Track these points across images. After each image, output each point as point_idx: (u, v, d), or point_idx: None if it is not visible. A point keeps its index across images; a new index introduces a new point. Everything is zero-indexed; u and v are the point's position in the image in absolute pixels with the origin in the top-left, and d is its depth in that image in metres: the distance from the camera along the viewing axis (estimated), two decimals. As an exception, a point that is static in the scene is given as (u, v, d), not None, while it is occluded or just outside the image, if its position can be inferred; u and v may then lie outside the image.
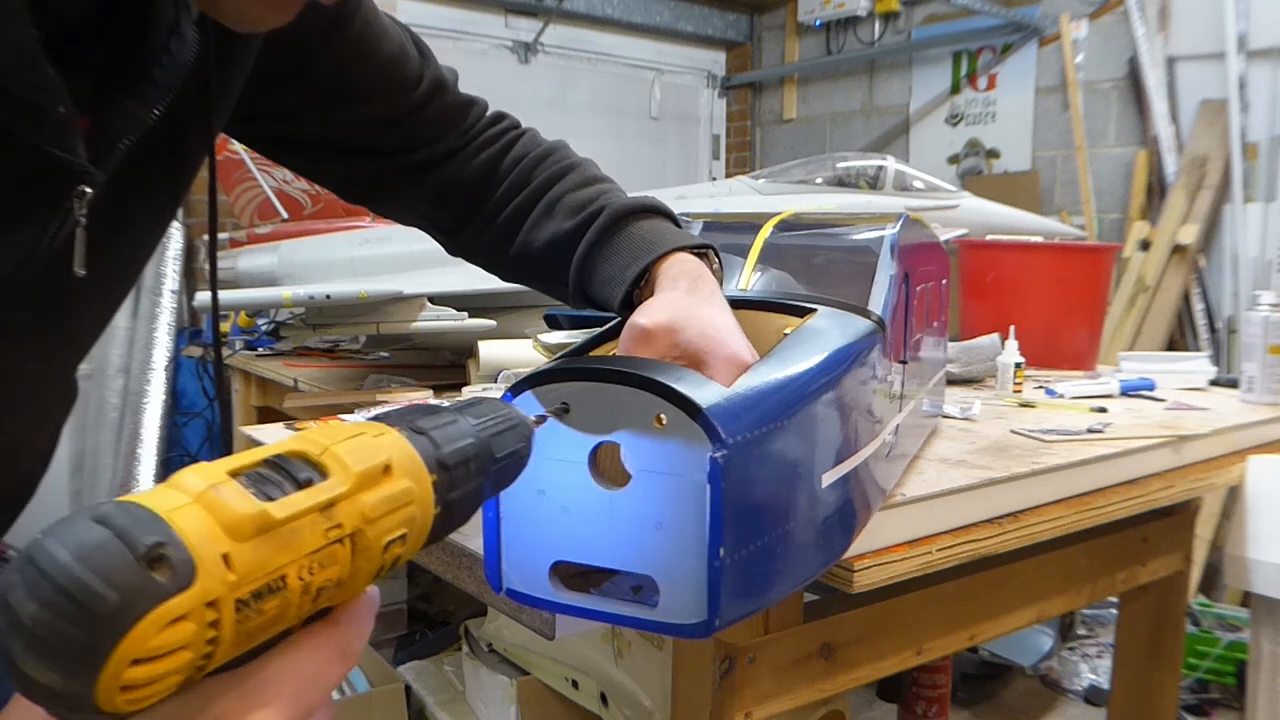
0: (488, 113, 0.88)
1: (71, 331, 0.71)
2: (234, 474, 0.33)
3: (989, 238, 2.44)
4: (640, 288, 0.74)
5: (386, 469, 0.37)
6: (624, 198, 0.81)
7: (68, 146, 0.54)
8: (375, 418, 0.41)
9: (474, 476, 0.42)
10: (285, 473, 0.34)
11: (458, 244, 0.90)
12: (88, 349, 0.76)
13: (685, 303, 0.68)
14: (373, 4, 0.77)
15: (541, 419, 0.54)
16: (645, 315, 0.66)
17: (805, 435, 0.62)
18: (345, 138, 0.82)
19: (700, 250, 0.75)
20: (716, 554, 0.53)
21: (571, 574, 0.59)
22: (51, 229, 0.58)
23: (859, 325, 0.75)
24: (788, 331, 0.72)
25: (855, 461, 0.70)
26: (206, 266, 2.76)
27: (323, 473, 0.35)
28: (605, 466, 0.57)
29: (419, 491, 0.38)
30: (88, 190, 0.57)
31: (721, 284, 0.76)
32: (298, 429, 1.27)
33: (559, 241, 0.80)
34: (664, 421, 0.54)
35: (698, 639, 0.55)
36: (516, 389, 0.58)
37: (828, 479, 0.65)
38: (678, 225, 0.81)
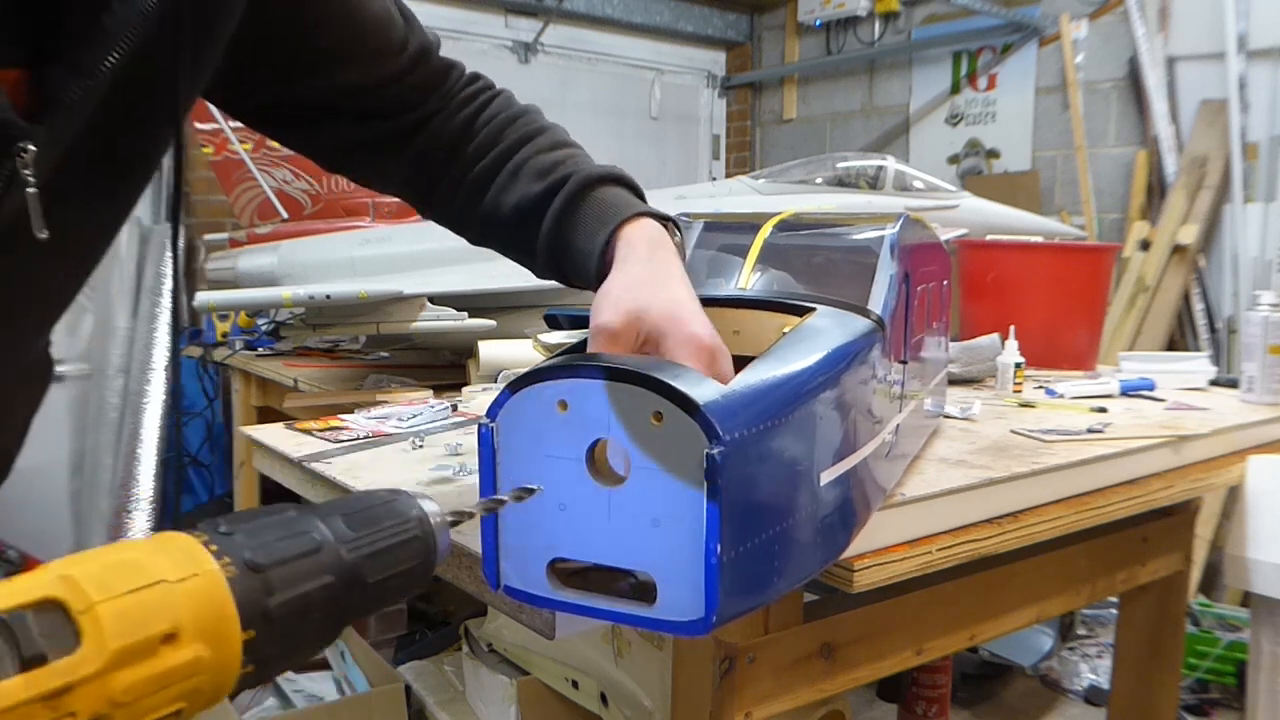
0: (464, 75, 0.87)
1: (31, 294, 0.68)
2: None
3: (989, 238, 2.44)
4: (604, 255, 0.73)
5: (169, 637, 0.30)
6: (590, 165, 0.80)
7: None
8: (222, 531, 0.34)
9: (315, 623, 0.35)
10: (13, 643, 0.28)
11: (431, 204, 0.89)
12: (53, 318, 0.74)
13: (644, 278, 0.67)
14: None
15: (496, 504, 0.52)
16: (608, 310, 0.65)
17: (803, 433, 0.61)
18: (328, 103, 0.81)
19: (662, 219, 0.75)
20: (714, 551, 0.53)
21: (570, 572, 0.59)
22: None
23: (858, 324, 0.75)
24: (787, 330, 0.72)
25: (854, 460, 0.70)
26: (208, 266, 2.77)
27: (76, 637, 0.28)
28: (603, 464, 0.57)
29: (216, 658, 0.32)
30: (30, 147, 0.54)
31: (684, 256, 0.76)
32: (298, 429, 1.27)
33: (524, 206, 0.80)
34: (661, 418, 0.54)
35: (695, 636, 0.55)
36: (515, 386, 0.58)
37: (826, 477, 0.65)
38: (641, 197, 0.80)
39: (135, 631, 0.29)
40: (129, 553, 0.31)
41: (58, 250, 0.62)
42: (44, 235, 0.57)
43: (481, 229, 0.86)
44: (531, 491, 0.57)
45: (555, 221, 0.77)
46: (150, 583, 0.30)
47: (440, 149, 0.85)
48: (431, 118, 0.84)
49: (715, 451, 0.52)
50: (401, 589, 0.40)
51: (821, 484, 0.64)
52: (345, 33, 0.77)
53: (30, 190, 0.56)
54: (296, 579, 0.35)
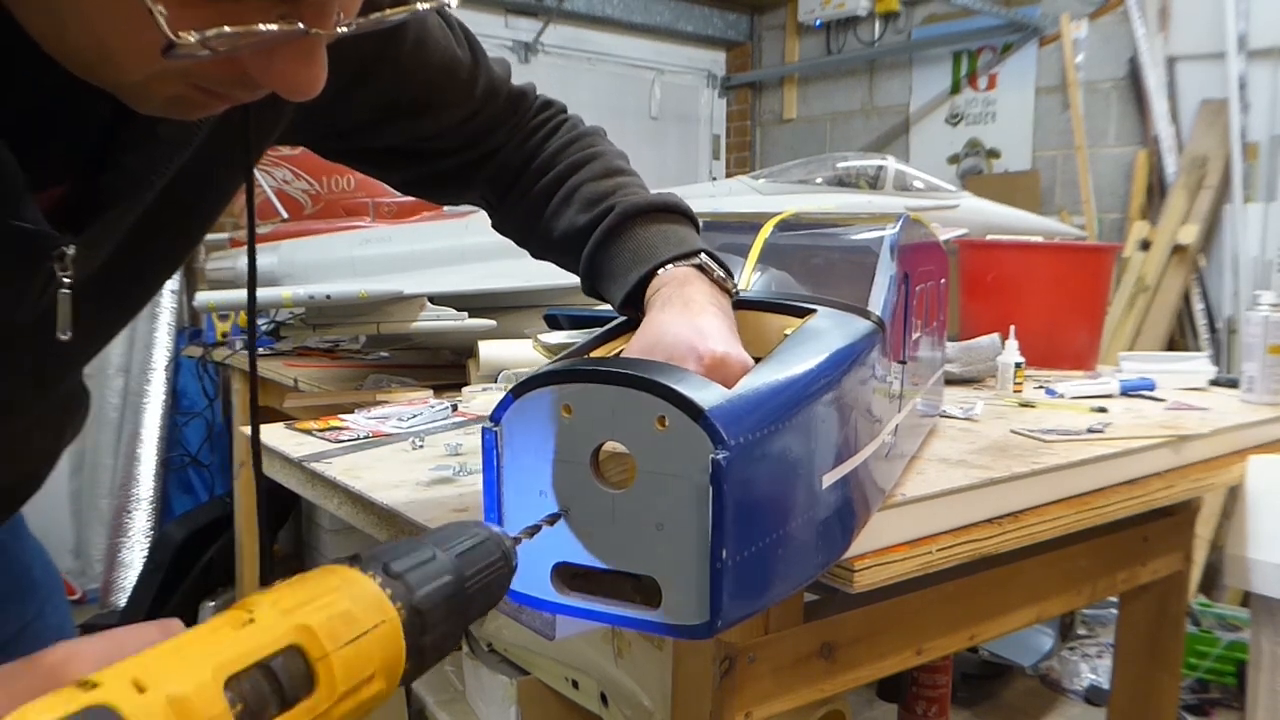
0: (535, 103, 0.90)
1: (62, 367, 0.71)
2: (225, 680, 0.32)
3: (989, 238, 2.43)
4: (634, 297, 0.75)
5: (369, 679, 0.37)
6: (636, 196, 0.81)
7: (26, 215, 0.52)
8: (391, 574, 0.40)
9: (442, 652, 0.42)
10: (276, 688, 0.33)
11: (497, 217, 0.93)
12: (82, 366, 0.77)
13: (662, 324, 0.68)
14: (424, 22, 0.77)
15: (518, 540, 0.53)
16: (632, 350, 0.68)
17: (806, 436, 0.61)
18: (401, 149, 0.83)
19: (696, 256, 0.75)
20: (719, 555, 0.52)
21: (574, 574, 0.59)
22: (34, 290, 0.57)
23: (859, 326, 0.75)
24: (788, 332, 0.72)
25: (855, 462, 0.70)
26: (207, 265, 2.76)
27: (313, 682, 0.34)
28: (607, 468, 0.57)
29: (388, 689, 0.38)
30: (68, 251, 0.55)
31: (731, 288, 0.76)
32: (298, 429, 1.27)
33: (572, 234, 0.82)
34: (665, 423, 0.53)
35: (699, 640, 0.56)
36: (519, 390, 0.58)
37: (828, 479, 0.65)
38: (690, 219, 0.81)
39: (353, 677, 0.35)
40: (334, 598, 0.37)
41: (87, 338, 0.65)
42: (67, 337, 0.58)
43: (538, 248, 0.89)
44: (560, 516, 0.57)
45: (594, 250, 0.79)
46: (362, 633, 0.36)
47: (508, 174, 0.88)
48: (500, 149, 0.87)
49: (721, 456, 0.52)
50: (496, 585, 0.47)
51: (823, 486, 0.64)
52: (415, 90, 0.78)
53: (63, 292, 0.56)
54: (441, 619, 0.41)
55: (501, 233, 0.93)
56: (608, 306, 0.82)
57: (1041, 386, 1.62)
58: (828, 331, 0.72)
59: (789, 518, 0.60)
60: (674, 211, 0.80)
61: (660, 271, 0.74)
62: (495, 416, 0.59)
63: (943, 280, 1.10)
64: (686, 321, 0.67)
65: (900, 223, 0.88)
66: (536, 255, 0.91)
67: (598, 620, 0.58)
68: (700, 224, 0.82)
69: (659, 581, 0.55)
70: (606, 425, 0.55)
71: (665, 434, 0.53)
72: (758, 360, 0.66)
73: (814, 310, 0.76)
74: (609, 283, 0.78)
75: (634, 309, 0.75)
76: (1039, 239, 2.39)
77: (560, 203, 0.83)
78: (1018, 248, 2.08)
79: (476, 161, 0.87)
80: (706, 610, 0.54)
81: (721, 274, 0.76)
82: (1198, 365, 1.70)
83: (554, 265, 0.90)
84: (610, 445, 0.56)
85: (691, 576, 0.54)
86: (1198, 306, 3.38)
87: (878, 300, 0.80)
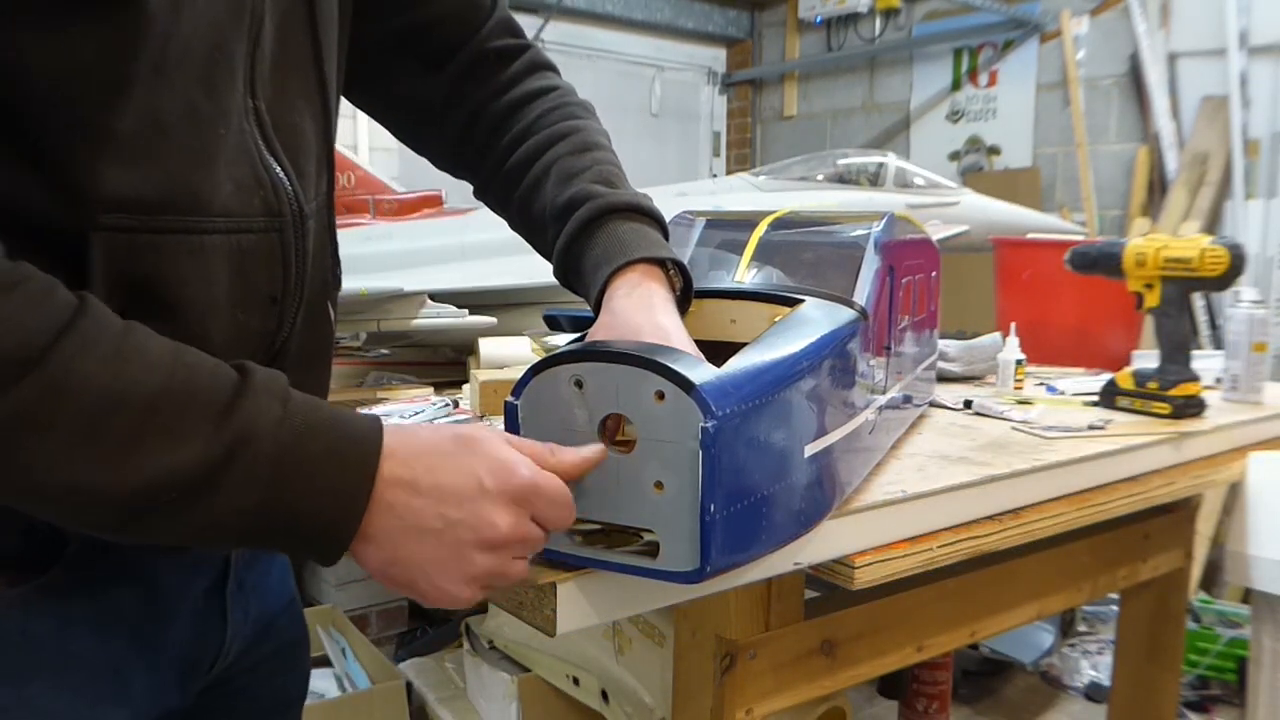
0: (494, 18, 0.87)
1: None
2: None
3: (1029, 236, 2.39)
4: (602, 291, 0.76)
5: None
6: (608, 191, 0.80)
7: None
8: None
9: None
10: None
11: (477, 183, 0.91)
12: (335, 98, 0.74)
13: (629, 313, 0.71)
14: None
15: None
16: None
17: (788, 411, 0.68)
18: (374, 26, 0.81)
19: (660, 260, 0.76)
20: (708, 510, 0.60)
21: (587, 532, 0.66)
22: None
23: (843, 314, 0.81)
24: (778, 319, 0.77)
25: (836, 437, 0.76)
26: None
27: None
28: (614, 435, 0.64)
29: None
30: None
31: (683, 291, 0.78)
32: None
33: (545, 216, 0.81)
34: (663, 397, 0.60)
35: (692, 584, 0.62)
36: (537, 368, 0.64)
37: (810, 450, 0.71)
38: (659, 223, 0.81)
39: None
40: None
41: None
42: None
43: (513, 224, 0.89)
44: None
45: (568, 244, 0.79)
46: None
47: (481, 130, 0.86)
48: (462, 49, 0.85)
49: (709, 425, 0.59)
50: None
51: (805, 456, 0.70)
52: None
53: None
54: None
55: (482, 200, 0.91)
56: None
57: (1042, 383, 1.62)
58: (814, 319, 0.77)
59: (771, 481, 0.66)
60: (640, 212, 0.80)
61: (627, 268, 0.75)
62: (516, 392, 0.66)
63: (933, 274, 1.14)
64: (647, 317, 0.71)
65: (885, 221, 0.93)
66: (513, 227, 0.90)
67: (607, 569, 0.66)
68: (668, 229, 0.83)
69: (657, 534, 0.62)
70: (613, 399, 0.62)
71: (663, 406, 0.60)
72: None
73: (802, 300, 0.81)
74: (582, 279, 0.79)
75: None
76: (1078, 236, 2.36)
77: (536, 179, 0.82)
78: (1054, 246, 2.04)
79: (444, 87, 0.85)
80: (697, 558, 0.61)
81: (680, 283, 0.77)
82: (1204, 363, 1.69)
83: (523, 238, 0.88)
84: (617, 415, 0.63)
85: (684, 529, 0.61)
86: (1199, 303, 3.38)
87: (862, 292, 0.85)
